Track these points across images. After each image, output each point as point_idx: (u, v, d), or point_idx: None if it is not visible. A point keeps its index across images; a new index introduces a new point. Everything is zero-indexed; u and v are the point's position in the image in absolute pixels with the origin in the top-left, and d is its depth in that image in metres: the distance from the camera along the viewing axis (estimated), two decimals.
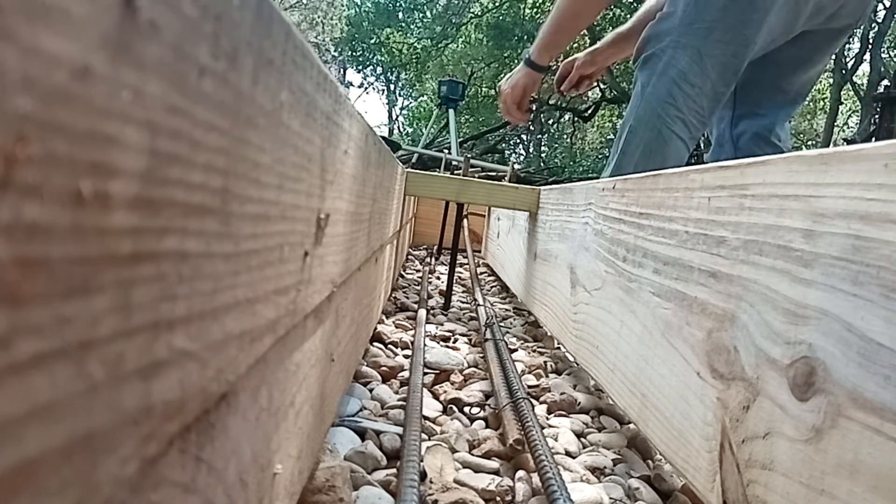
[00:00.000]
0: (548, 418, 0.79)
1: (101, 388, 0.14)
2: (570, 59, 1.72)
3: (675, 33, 1.24)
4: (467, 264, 2.02)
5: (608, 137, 12.39)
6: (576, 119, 11.31)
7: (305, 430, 0.41)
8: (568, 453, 0.68)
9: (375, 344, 1.00)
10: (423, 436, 0.65)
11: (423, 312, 1.17)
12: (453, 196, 1.28)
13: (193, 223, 0.18)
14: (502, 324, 1.33)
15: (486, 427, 0.74)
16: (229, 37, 0.19)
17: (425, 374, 0.87)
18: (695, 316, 0.49)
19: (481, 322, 1.19)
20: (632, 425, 0.77)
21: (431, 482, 0.56)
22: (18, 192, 0.11)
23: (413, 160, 4.04)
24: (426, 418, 0.72)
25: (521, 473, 0.61)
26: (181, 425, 0.19)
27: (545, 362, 1.02)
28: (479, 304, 1.38)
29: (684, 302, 0.51)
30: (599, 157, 12.02)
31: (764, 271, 0.39)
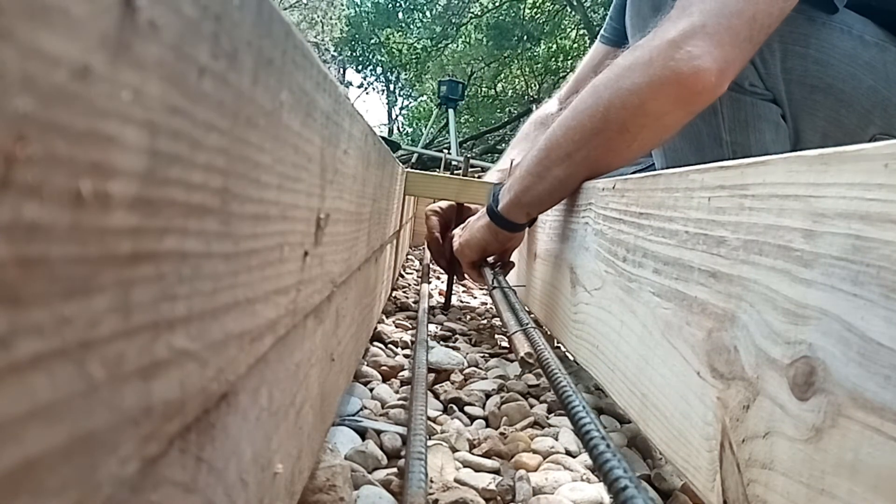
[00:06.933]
0: (548, 417, 0.79)
1: (101, 388, 0.14)
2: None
3: None
4: None
5: None
6: None
7: (306, 429, 0.41)
8: (568, 452, 0.68)
9: (375, 343, 1.00)
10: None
11: (423, 311, 1.17)
12: (453, 196, 1.28)
13: (193, 223, 0.18)
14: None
15: (487, 426, 0.74)
16: (229, 37, 0.19)
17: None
18: (695, 316, 0.49)
19: (489, 282, 1.12)
20: (632, 425, 0.77)
21: (432, 481, 0.56)
22: (18, 192, 0.11)
23: (413, 160, 4.04)
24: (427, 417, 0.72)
25: (521, 473, 0.61)
26: (181, 425, 0.19)
27: None
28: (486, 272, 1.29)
29: (684, 302, 0.51)
30: None
31: (764, 271, 0.39)
